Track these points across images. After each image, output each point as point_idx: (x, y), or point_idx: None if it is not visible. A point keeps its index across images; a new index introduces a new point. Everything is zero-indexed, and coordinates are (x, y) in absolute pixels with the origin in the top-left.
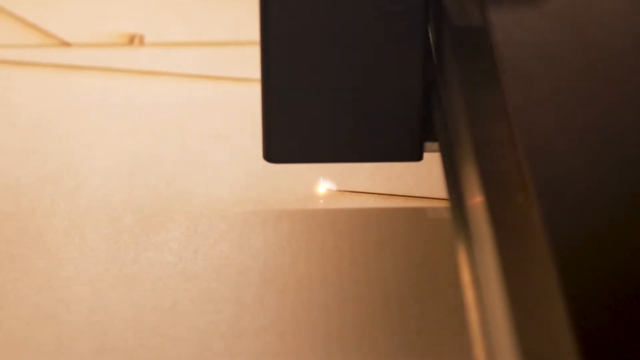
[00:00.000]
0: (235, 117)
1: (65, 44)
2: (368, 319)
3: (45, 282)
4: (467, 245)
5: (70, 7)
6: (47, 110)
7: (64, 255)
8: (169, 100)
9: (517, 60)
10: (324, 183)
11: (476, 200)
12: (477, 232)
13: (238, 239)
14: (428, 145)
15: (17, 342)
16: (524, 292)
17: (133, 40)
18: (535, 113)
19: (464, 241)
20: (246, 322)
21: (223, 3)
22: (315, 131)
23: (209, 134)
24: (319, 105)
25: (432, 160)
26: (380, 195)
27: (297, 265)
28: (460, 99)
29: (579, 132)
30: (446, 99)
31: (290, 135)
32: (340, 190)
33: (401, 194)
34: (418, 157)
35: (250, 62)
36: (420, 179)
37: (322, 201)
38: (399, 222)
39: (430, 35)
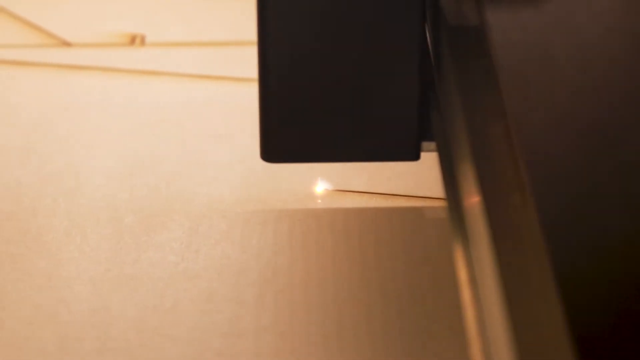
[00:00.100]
0: (235, 117)
1: (66, 44)
2: (368, 319)
3: (47, 282)
4: (464, 244)
5: (71, 7)
6: (48, 110)
7: (65, 255)
8: (170, 100)
9: (514, 60)
10: (324, 183)
11: (473, 200)
12: (474, 232)
13: (239, 238)
14: (425, 145)
15: (19, 342)
16: (520, 292)
17: (134, 40)
18: (532, 113)
19: (461, 241)
20: (247, 322)
21: (223, 3)
22: (312, 131)
23: (210, 133)
24: (317, 105)
25: (432, 160)
26: (381, 195)
27: (297, 265)
28: (457, 99)
29: (576, 133)
30: (443, 99)
31: (287, 135)
32: (340, 190)
33: (401, 193)
34: (415, 157)
35: (251, 62)
36: (420, 179)
37: (320, 201)
38: (399, 222)
39: (427, 35)
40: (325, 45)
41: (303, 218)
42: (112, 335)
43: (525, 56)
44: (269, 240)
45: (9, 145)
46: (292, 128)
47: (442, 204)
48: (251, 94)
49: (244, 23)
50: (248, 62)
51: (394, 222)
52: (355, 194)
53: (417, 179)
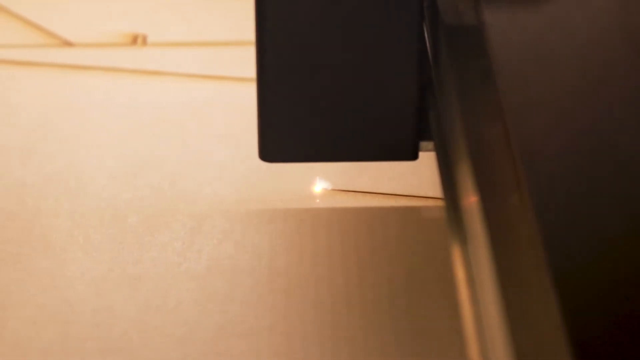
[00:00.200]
0: (237, 117)
1: (68, 43)
2: (369, 319)
3: (50, 282)
4: (462, 244)
5: (73, 7)
6: (50, 110)
7: (68, 255)
8: (172, 100)
9: (512, 60)
10: (327, 183)
11: (470, 200)
12: (471, 232)
13: (242, 238)
14: (423, 144)
15: (22, 342)
16: (517, 291)
17: (136, 40)
18: (529, 113)
19: (458, 240)
20: (250, 322)
21: (225, 3)
22: (310, 130)
23: (212, 133)
24: (315, 105)
25: (432, 160)
26: (382, 195)
27: (300, 265)
28: (455, 99)
29: (573, 133)
30: (441, 98)
31: (285, 135)
32: (343, 190)
33: (402, 193)
34: (413, 157)
35: (253, 62)
36: (421, 179)
37: (322, 201)
38: (400, 222)
39: (426, 35)
40: (323, 44)
41: (305, 218)
42: (115, 335)
43: (523, 56)
44: (272, 240)
45: (11, 145)
46: (290, 128)
47: (441, 203)
48: (253, 93)
49: (245, 23)
50: (250, 62)
51: (395, 222)
52: (357, 193)
53: (420, 178)
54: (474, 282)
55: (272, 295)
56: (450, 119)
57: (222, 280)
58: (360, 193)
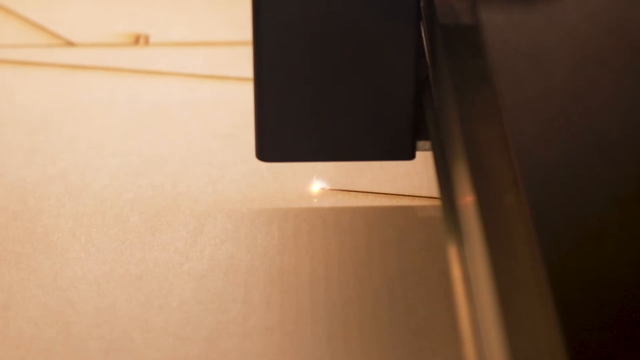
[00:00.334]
0: (240, 117)
1: (71, 44)
2: (373, 319)
3: (52, 282)
4: (458, 243)
5: (75, 7)
6: (52, 110)
7: (71, 255)
8: (174, 100)
9: (509, 59)
10: (328, 183)
11: (467, 199)
12: (468, 231)
13: (244, 238)
14: (420, 144)
15: (25, 342)
16: (512, 290)
17: (138, 40)
18: (526, 113)
19: (455, 239)
20: (253, 322)
21: (228, 3)
22: (307, 130)
23: (214, 133)
24: (312, 105)
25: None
26: (385, 195)
27: (303, 265)
28: (452, 98)
29: (569, 132)
30: (438, 98)
31: (283, 135)
32: (346, 190)
33: (405, 193)
34: (410, 156)
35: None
36: (426, 179)
37: (316, 200)
38: (405, 222)
39: (423, 34)
40: (321, 44)
41: (308, 217)
42: (117, 335)
43: (520, 56)
44: (275, 240)
45: (13, 145)
46: (287, 127)
47: (438, 203)
48: None
49: (247, 23)
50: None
51: (400, 222)
52: (360, 193)
53: (422, 178)
54: (470, 281)
55: (274, 295)
56: (447, 118)
57: (224, 280)
58: (360, 193)
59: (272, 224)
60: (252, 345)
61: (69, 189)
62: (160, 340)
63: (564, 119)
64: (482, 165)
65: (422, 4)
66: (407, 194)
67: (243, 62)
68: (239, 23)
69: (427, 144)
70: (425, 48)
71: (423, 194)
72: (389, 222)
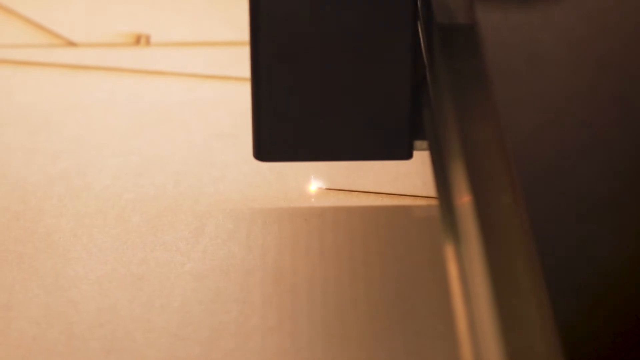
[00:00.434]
0: (242, 117)
1: (72, 44)
2: (374, 319)
3: (54, 282)
4: (455, 243)
5: (76, 7)
6: (53, 110)
7: (72, 255)
8: (176, 99)
9: (506, 59)
10: (330, 182)
11: (464, 199)
12: (465, 231)
13: (246, 238)
14: (418, 143)
15: (27, 342)
16: (509, 290)
17: (139, 40)
18: (523, 113)
19: (452, 239)
20: (255, 322)
21: (229, 3)
22: (304, 130)
23: (216, 133)
24: (309, 104)
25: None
26: (387, 195)
27: (305, 265)
28: (449, 98)
29: (567, 132)
30: (435, 97)
31: (280, 134)
32: (347, 190)
33: (408, 193)
34: (408, 156)
35: None
36: (428, 179)
37: (313, 200)
38: (406, 222)
39: (420, 34)
40: (318, 44)
41: (309, 217)
42: (119, 335)
43: (517, 56)
44: (276, 240)
45: (14, 145)
46: (284, 127)
47: (435, 202)
48: None
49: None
50: None
51: (400, 222)
52: (361, 193)
53: (425, 178)
54: (466, 281)
55: (275, 295)
56: (444, 118)
57: (227, 280)
58: (361, 193)
59: (274, 224)
60: (254, 345)
61: (71, 189)
62: (162, 340)
63: (561, 119)
64: (479, 164)
65: (419, 4)
66: (408, 194)
67: (244, 62)
68: (240, 23)
69: (424, 143)
70: (423, 48)
71: (425, 194)
72: (390, 222)
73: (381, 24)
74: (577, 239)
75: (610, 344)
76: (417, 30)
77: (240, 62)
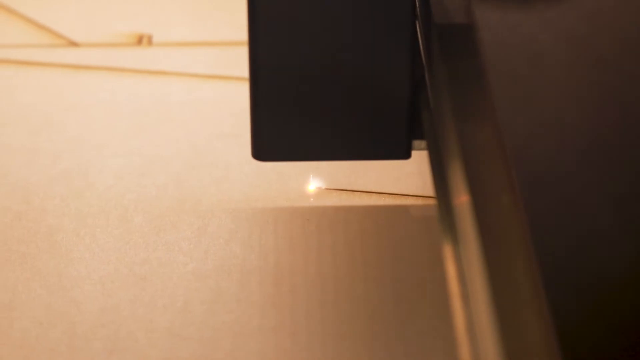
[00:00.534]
0: (243, 117)
1: (73, 44)
2: (379, 319)
3: (56, 282)
4: (453, 242)
5: (78, 7)
6: (55, 110)
7: (75, 255)
8: (178, 99)
9: (505, 59)
10: (332, 182)
11: (462, 199)
12: (463, 231)
13: (248, 238)
14: (416, 143)
15: (30, 342)
16: (507, 290)
17: (141, 40)
18: (521, 113)
19: (450, 238)
20: (257, 322)
21: (230, 3)
22: (303, 130)
23: (218, 133)
24: (307, 104)
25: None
26: (389, 195)
27: (308, 265)
28: (447, 98)
29: (565, 133)
30: (434, 97)
31: (279, 134)
32: (350, 190)
33: (412, 193)
34: (407, 155)
35: None
36: (430, 179)
37: (312, 199)
38: (410, 221)
39: (419, 33)
40: (316, 44)
41: (312, 217)
42: (121, 335)
43: (515, 56)
44: (279, 240)
45: (16, 145)
46: (282, 127)
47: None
48: None
49: None
50: None
51: (403, 221)
52: (364, 193)
53: (425, 178)
54: (465, 281)
55: (278, 295)
56: (442, 118)
57: (229, 280)
58: (364, 193)
59: (276, 224)
60: (257, 345)
61: (73, 189)
62: (165, 341)
63: (559, 119)
64: (478, 164)
65: (417, 4)
66: (411, 194)
67: (246, 62)
68: (242, 23)
69: (423, 143)
70: (421, 48)
71: (427, 194)
72: (391, 221)
73: (380, 23)
74: (576, 239)
75: (609, 345)
76: (416, 30)
77: (242, 62)
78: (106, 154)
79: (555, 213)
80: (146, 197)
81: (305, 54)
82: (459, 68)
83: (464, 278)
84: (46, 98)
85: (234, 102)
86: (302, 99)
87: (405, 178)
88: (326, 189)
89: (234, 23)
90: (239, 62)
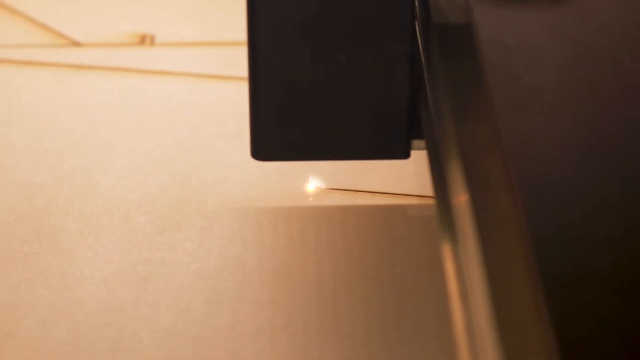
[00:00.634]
0: (246, 117)
1: (76, 44)
2: (381, 318)
3: (60, 282)
4: (452, 242)
5: (81, 7)
6: (58, 110)
7: (78, 255)
8: (181, 99)
9: (503, 59)
10: (335, 182)
11: (461, 198)
12: (462, 231)
13: (251, 238)
14: (415, 143)
15: (33, 342)
16: (505, 290)
17: (144, 40)
18: (520, 113)
19: (449, 238)
20: (261, 322)
21: (233, 3)
22: (302, 129)
23: (222, 133)
24: (306, 104)
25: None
26: (392, 195)
27: (310, 264)
28: (446, 98)
29: (564, 133)
30: (433, 97)
31: (278, 134)
32: (353, 190)
33: (414, 193)
34: (406, 155)
35: None
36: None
37: (311, 199)
38: (412, 221)
39: (418, 33)
40: (315, 43)
41: (315, 217)
42: (125, 335)
43: (514, 56)
44: (282, 240)
45: (20, 145)
46: (281, 126)
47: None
48: None
49: None
50: None
51: (407, 221)
52: (367, 193)
53: (428, 178)
54: (463, 281)
55: (281, 295)
56: (441, 117)
57: (232, 280)
58: (367, 193)
59: (279, 224)
60: (260, 345)
61: (76, 189)
62: (168, 341)
63: (558, 119)
64: (477, 164)
65: (417, 4)
66: (414, 193)
67: None
68: (244, 23)
69: (422, 142)
70: (420, 47)
71: (427, 194)
72: (396, 221)
73: (379, 24)
74: (574, 238)
75: (607, 344)
76: (415, 30)
77: (245, 62)
78: (109, 154)
79: (553, 212)
80: (150, 197)
81: (304, 53)
82: (458, 68)
83: (462, 278)
84: (49, 98)
85: (237, 102)
86: (301, 99)
87: (409, 178)
88: (330, 189)
89: (237, 23)
90: (242, 62)
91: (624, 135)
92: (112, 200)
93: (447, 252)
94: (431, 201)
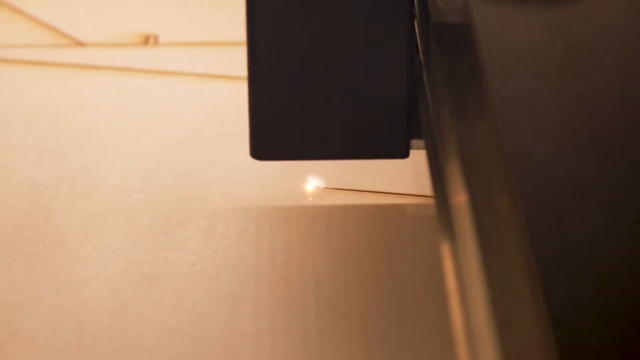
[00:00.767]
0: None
1: (80, 44)
2: (382, 319)
3: (64, 282)
4: (451, 241)
5: (84, 7)
6: (62, 110)
7: (83, 255)
8: (184, 99)
9: (502, 58)
10: (338, 182)
11: (460, 198)
12: (461, 230)
13: (256, 238)
14: (414, 142)
15: (38, 342)
16: (504, 290)
17: (147, 40)
18: (519, 112)
19: (448, 237)
20: (265, 322)
21: (236, 3)
22: (301, 129)
23: (224, 133)
24: (306, 103)
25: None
26: (396, 195)
27: (316, 264)
28: (445, 97)
29: (563, 132)
30: (432, 97)
31: (277, 133)
32: (356, 190)
33: (418, 193)
34: (405, 154)
35: None
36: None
37: (310, 199)
38: (414, 221)
39: (417, 33)
40: (314, 43)
41: (318, 216)
42: (130, 335)
43: (513, 56)
44: (285, 240)
45: (24, 145)
46: (281, 126)
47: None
48: None
49: None
50: None
51: (408, 221)
52: (370, 193)
53: (424, 177)
54: (462, 280)
55: (284, 295)
56: (440, 117)
57: (237, 280)
58: (370, 193)
59: (283, 224)
60: (264, 344)
61: (80, 188)
62: (173, 341)
63: (557, 118)
64: (475, 163)
65: (415, 3)
66: (414, 193)
67: None
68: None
69: (421, 142)
70: (419, 47)
71: (426, 193)
72: (398, 221)
73: (378, 23)
74: (573, 238)
75: (606, 344)
76: (414, 29)
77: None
78: (113, 154)
79: (552, 212)
80: (154, 197)
81: (304, 52)
82: (457, 67)
83: (461, 277)
84: (53, 98)
85: (241, 102)
86: (300, 98)
87: (413, 178)
88: (333, 188)
89: (240, 23)
90: (243, 62)
91: (624, 135)
92: (115, 200)
93: (446, 251)
94: (430, 201)
